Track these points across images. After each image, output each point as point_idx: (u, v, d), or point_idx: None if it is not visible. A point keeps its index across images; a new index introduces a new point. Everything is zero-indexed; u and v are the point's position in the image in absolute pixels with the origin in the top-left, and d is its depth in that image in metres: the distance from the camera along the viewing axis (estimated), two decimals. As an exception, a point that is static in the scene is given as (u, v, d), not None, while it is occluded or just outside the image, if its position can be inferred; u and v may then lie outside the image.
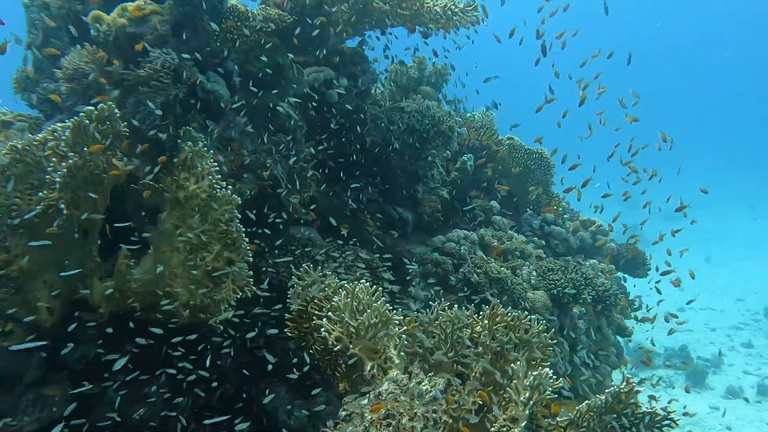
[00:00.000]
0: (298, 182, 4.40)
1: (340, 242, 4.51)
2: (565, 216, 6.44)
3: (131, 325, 3.48)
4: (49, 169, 3.05)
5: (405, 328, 2.79)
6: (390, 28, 5.17)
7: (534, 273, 5.09)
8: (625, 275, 6.68)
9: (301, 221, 4.66)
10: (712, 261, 21.69)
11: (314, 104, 4.83)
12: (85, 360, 3.50)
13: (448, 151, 6.05)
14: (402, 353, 2.72)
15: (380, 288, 2.95)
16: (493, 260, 4.98)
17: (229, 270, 3.32)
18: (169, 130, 3.82)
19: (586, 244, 6.31)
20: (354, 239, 4.84)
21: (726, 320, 14.98)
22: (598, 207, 7.12)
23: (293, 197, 4.53)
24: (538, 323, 3.17)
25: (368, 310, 2.77)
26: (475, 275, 4.77)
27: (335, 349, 2.68)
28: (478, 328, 3.08)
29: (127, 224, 3.53)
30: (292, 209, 4.51)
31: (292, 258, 4.03)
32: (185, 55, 3.89)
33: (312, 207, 4.76)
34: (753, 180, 35.56)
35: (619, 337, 6.14)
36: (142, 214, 3.70)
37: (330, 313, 2.76)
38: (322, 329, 2.70)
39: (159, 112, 3.70)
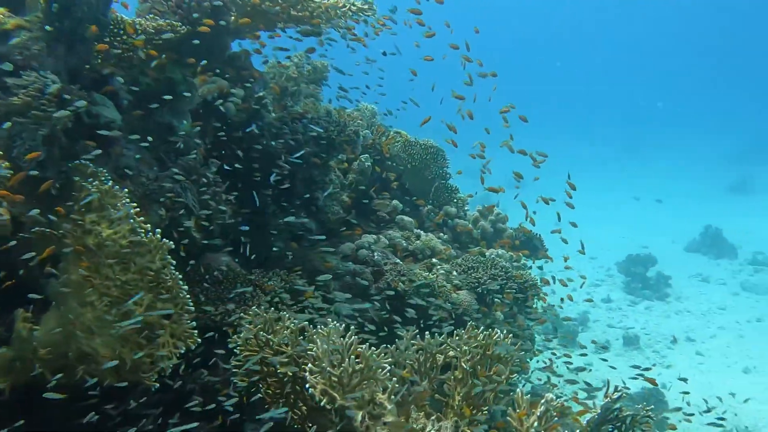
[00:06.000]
0: (212, 206, 3.99)
1: (259, 269, 4.19)
2: (465, 208, 6.52)
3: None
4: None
5: (389, 368, 2.60)
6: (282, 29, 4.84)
7: (454, 272, 5.08)
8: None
9: (211, 247, 4.26)
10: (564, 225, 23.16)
11: (211, 118, 4.40)
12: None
13: (342, 154, 5.84)
14: (392, 396, 2.53)
15: (352, 326, 2.73)
16: (416, 267, 4.89)
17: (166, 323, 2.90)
18: (55, 166, 3.25)
19: (487, 233, 6.44)
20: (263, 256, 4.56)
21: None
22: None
23: (188, 221, 4.09)
24: (503, 335, 3.13)
25: (348, 356, 2.54)
26: (400, 284, 4.65)
27: (321, 403, 2.43)
28: (451, 353, 2.98)
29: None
30: (199, 235, 4.08)
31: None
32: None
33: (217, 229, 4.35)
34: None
35: (529, 322, 6.33)
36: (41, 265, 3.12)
37: (310, 365, 2.50)
38: (307, 385, 2.43)
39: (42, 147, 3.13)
